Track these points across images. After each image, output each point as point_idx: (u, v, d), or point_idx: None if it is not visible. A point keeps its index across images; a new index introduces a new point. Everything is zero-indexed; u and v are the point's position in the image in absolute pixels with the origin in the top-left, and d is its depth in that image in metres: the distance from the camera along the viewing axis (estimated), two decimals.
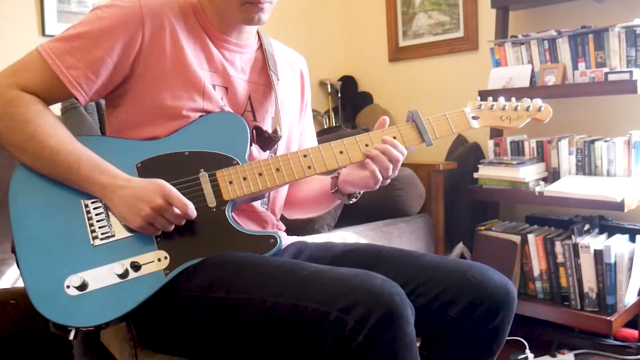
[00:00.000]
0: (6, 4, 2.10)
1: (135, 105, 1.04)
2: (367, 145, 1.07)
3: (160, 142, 1.04)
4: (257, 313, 0.87)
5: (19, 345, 1.27)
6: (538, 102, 1.18)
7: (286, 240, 1.20)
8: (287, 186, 1.24)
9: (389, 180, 1.08)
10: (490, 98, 1.19)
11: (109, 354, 1.15)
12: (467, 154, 2.47)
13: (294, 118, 1.25)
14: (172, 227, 0.96)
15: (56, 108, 1.16)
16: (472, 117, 1.14)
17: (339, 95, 3.06)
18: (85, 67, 0.99)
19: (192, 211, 0.96)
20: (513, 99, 1.20)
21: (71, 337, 0.91)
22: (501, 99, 1.18)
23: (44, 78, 0.98)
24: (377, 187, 1.07)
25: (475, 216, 2.42)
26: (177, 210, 0.94)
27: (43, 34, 2.16)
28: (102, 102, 1.17)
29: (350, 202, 1.16)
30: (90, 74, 1.00)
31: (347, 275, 0.86)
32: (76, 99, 1.01)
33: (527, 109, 1.17)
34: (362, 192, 1.15)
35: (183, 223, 0.97)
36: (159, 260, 0.95)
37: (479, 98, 1.18)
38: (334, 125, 3.00)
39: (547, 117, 1.20)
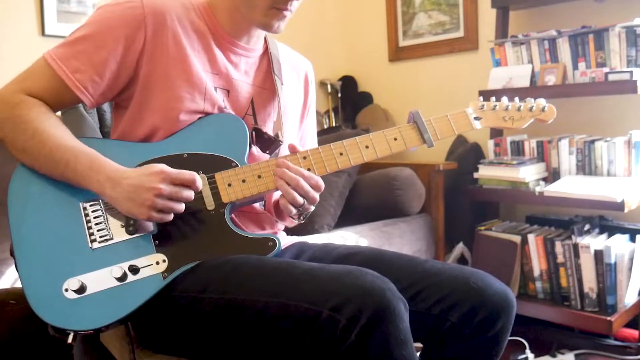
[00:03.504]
0: (6, 4, 2.10)
1: (139, 106, 1.04)
2: (367, 147, 1.06)
3: (159, 144, 1.03)
4: (250, 314, 0.87)
5: (18, 345, 1.27)
6: (542, 102, 1.16)
7: (287, 240, 1.20)
8: None
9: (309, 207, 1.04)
10: (493, 98, 1.16)
11: (108, 354, 1.14)
12: (467, 154, 2.47)
13: (295, 123, 1.24)
14: (183, 206, 0.95)
15: None
16: (475, 117, 1.13)
17: (339, 95, 3.06)
18: (90, 69, 0.99)
19: (199, 182, 0.96)
20: (516, 99, 1.17)
21: (70, 340, 0.90)
22: (504, 99, 1.16)
23: (50, 83, 0.99)
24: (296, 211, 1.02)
25: (475, 216, 2.42)
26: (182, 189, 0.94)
27: (43, 34, 2.16)
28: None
29: (299, 220, 1.13)
30: (95, 77, 1.00)
31: (339, 273, 0.85)
32: (82, 102, 1.01)
33: (531, 109, 1.15)
34: (305, 213, 1.10)
35: (193, 197, 0.96)
36: (157, 263, 0.94)
37: (481, 98, 1.17)
38: (334, 125, 3.00)
39: (551, 117, 1.17)
